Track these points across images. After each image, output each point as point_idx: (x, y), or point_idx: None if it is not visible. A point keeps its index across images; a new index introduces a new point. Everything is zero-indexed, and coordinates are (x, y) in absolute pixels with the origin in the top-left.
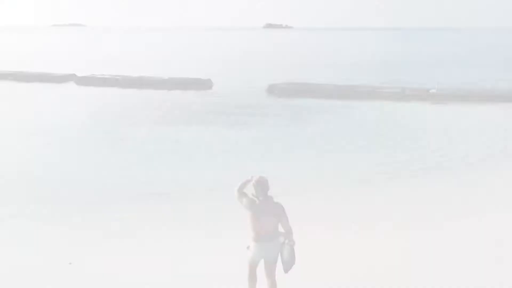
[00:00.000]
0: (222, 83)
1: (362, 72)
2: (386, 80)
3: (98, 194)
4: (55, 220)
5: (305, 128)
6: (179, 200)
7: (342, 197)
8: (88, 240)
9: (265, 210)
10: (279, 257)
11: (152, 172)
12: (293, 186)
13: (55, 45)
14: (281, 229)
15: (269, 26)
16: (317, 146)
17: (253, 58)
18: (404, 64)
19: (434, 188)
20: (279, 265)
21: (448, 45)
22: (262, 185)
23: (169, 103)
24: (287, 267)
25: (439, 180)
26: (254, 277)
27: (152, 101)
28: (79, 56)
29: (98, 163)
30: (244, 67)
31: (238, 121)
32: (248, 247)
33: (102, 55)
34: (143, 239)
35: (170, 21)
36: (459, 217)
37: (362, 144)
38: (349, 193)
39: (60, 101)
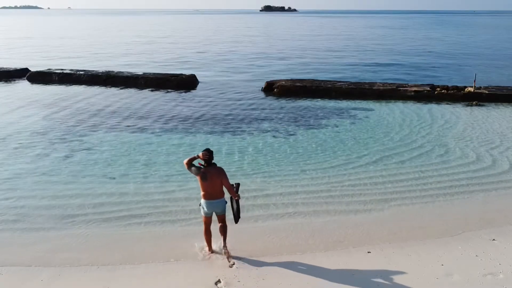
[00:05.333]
0: (208, 80)
1: (379, 65)
2: (411, 76)
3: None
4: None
5: (308, 134)
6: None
7: (351, 217)
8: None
9: (210, 173)
10: (232, 210)
11: (125, 190)
12: (295, 198)
13: (4, 32)
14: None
15: (268, 8)
16: (322, 154)
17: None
18: (434, 56)
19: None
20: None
21: (487, 33)
22: (208, 154)
23: (144, 104)
24: (237, 219)
25: (470, 197)
26: (209, 231)
27: (123, 101)
28: (34, 46)
29: (54, 175)
30: (234, 60)
31: (229, 126)
32: (200, 205)
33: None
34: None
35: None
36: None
37: (376, 156)
38: (360, 216)
39: (10, 102)
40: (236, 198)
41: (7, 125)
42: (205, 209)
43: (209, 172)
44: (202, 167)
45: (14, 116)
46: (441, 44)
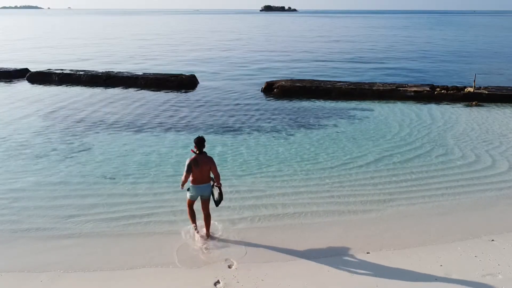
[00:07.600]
0: (208, 80)
1: (378, 65)
2: (410, 76)
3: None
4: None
5: (308, 134)
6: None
7: (350, 217)
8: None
9: (201, 161)
10: (212, 195)
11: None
12: (295, 205)
13: (4, 32)
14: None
15: (268, 8)
16: (322, 155)
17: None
18: (433, 56)
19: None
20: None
21: (485, 31)
22: (200, 141)
23: (144, 104)
24: (218, 203)
25: (469, 197)
26: (193, 211)
27: (123, 102)
28: (34, 46)
29: (53, 175)
30: (234, 60)
31: (229, 127)
32: (188, 189)
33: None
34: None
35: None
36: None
37: (375, 156)
38: (360, 216)
39: (10, 103)
40: (219, 185)
41: (6, 125)
42: (192, 193)
43: (200, 159)
44: (194, 153)
45: (14, 117)
46: (441, 44)
